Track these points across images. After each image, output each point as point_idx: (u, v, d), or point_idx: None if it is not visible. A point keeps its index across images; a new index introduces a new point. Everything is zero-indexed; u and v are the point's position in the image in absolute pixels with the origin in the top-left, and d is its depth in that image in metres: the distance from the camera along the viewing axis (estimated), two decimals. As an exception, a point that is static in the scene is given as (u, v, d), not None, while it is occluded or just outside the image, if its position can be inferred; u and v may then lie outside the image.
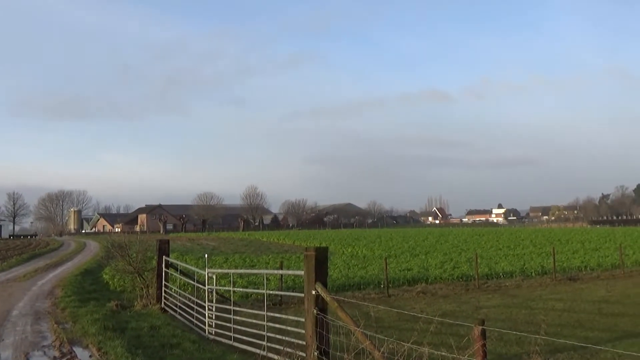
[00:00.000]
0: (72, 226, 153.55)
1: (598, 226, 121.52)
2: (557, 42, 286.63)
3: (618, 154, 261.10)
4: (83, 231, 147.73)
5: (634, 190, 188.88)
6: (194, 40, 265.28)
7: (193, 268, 16.11)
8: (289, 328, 9.28)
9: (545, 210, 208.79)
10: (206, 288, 12.92)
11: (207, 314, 12.54)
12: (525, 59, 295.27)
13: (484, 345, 5.38)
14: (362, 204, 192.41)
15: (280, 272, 14.40)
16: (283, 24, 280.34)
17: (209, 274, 12.97)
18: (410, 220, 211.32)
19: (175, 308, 15.00)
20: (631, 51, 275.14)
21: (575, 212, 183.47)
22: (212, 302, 12.64)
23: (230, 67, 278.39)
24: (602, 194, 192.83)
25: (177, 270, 17.04)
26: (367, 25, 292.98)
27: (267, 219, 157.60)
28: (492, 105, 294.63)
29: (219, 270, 16.84)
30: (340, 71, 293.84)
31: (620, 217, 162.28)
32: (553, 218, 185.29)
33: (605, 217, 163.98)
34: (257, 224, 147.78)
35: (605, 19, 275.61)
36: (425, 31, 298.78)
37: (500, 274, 23.94)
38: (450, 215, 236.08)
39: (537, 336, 7.32)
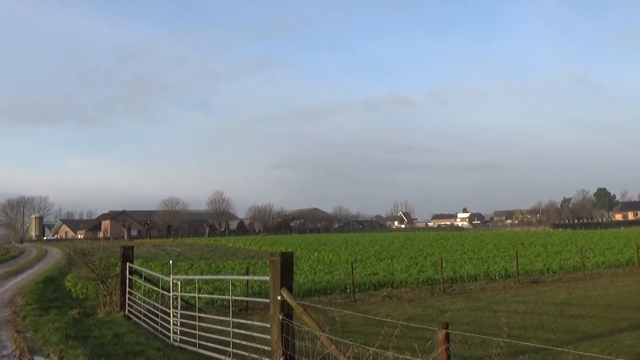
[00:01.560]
0: (33, 233, 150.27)
1: (560, 230, 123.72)
2: (520, 49, 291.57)
3: (579, 159, 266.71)
4: (45, 238, 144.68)
5: (595, 194, 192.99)
6: (159, 44, 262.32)
7: (158, 274, 15.93)
8: (254, 334, 9.25)
9: (509, 214, 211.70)
10: (171, 295, 12.80)
11: (171, 321, 12.42)
12: (489, 65, 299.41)
13: (447, 348, 5.44)
14: (328, 208, 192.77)
15: (246, 277, 14.38)
16: (249, 29, 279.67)
17: (174, 281, 12.86)
18: (376, 224, 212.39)
19: (139, 315, 14.83)
20: (590, 58, 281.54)
21: (538, 215, 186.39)
22: (176, 308, 12.54)
23: (196, 71, 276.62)
24: (564, 198, 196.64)
25: (142, 277, 16.83)
26: (332, 31, 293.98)
27: (233, 225, 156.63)
28: (457, 111, 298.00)
29: (184, 277, 16.72)
30: (305, 76, 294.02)
31: (581, 221, 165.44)
32: (516, 222, 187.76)
33: (567, 221, 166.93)
34: (223, 229, 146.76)
35: (565, 27, 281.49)
36: (390, 37, 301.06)
37: (465, 278, 24.22)
38: (416, 219, 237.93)
39: (499, 339, 7.43)
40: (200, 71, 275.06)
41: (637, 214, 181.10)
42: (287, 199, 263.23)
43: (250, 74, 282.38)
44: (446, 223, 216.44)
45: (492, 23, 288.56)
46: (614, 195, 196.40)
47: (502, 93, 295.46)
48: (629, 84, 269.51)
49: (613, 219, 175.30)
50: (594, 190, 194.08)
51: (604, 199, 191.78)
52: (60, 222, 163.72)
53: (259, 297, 16.31)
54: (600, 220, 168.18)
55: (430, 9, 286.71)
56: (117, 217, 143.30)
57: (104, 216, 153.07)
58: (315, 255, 43.43)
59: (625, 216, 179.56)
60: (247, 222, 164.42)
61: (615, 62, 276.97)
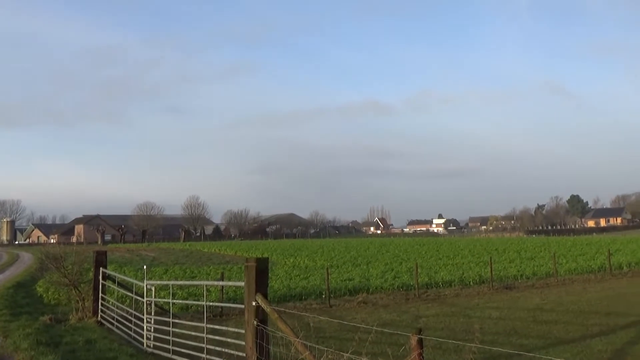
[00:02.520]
0: (4, 237, 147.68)
1: (534, 236, 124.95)
2: (495, 57, 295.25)
3: (552, 166, 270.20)
4: (16, 242, 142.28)
5: (568, 201, 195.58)
6: (132, 47, 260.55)
7: (131, 280, 15.77)
8: (229, 340, 9.20)
9: (484, 221, 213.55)
10: (144, 300, 12.68)
11: (145, 327, 12.29)
12: (465, 73, 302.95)
13: (420, 354, 5.47)
14: (304, 214, 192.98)
15: (221, 283, 14.29)
16: (224, 33, 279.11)
17: (148, 286, 12.73)
18: (352, 230, 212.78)
19: (112, 321, 14.67)
20: (563, 67, 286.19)
21: (512, 222, 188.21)
22: (150, 314, 12.42)
23: (171, 76, 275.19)
24: (538, 204, 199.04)
25: (115, 282, 16.65)
26: (307, 37, 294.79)
27: (209, 230, 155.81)
28: (433, 117, 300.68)
29: (158, 282, 16.58)
30: (282, 81, 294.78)
31: (554, 227, 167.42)
32: (491, 228, 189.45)
33: (540, 227, 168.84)
34: (198, 234, 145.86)
35: (538, 37, 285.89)
36: (366, 44, 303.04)
37: (440, 284, 24.33)
38: (392, 225, 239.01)
39: (472, 344, 7.48)
40: (175, 75, 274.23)
41: (609, 221, 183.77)
42: (263, 204, 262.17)
43: (226, 78, 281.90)
44: (422, 229, 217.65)
45: (467, 32, 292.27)
46: (587, 202, 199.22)
47: (478, 100, 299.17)
48: (600, 93, 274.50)
49: (585, 225, 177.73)
50: (567, 197, 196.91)
51: (577, 205, 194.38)
52: (33, 227, 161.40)
53: (234, 303, 16.25)
54: (573, 226, 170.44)
55: (406, 17, 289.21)
56: (90, 221, 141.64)
57: (77, 220, 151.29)
58: (291, 260, 43.36)
59: (597, 223, 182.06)
60: (222, 227, 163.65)
61: (587, 72, 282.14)
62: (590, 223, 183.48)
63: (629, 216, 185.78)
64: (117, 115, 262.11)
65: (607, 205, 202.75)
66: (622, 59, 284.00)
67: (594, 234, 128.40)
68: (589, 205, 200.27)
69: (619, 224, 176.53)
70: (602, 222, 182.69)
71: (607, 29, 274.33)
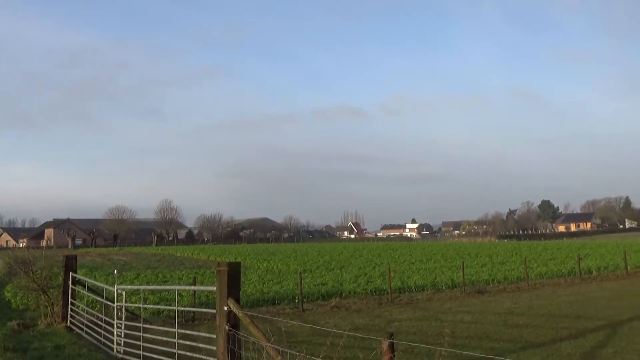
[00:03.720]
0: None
1: (505, 240, 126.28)
2: (467, 63, 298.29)
3: (524, 171, 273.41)
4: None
5: (539, 206, 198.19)
6: (103, 48, 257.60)
7: (102, 285, 15.59)
8: (200, 345, 9.14)
9: (457, 225, 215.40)
10: (115, 305, 12.53)
11: (115, 332, 12.15)
12: (438, 78, 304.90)
13: (391, 358, 5.48)
14: (278, 218, 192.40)
15: (193, 287, 14.17)
16: (198, 36, 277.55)
17: (119, 291, 12.59)
18: (326, 234, 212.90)
19: (82, 326, 14.48)
20: (532, 73, 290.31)
21: (485, 226, 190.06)
22: (121, 319, 12.27)
23: (143, 78, 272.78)
24: (510, 209, 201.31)
25: (85, 287, 16.44)
26: (282, 40, 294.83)
27: (182, 234, 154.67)
28: (406, 122, 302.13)
29: (129, 287, 16.39)
30: (256, 85, 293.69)
31: (525, 232, 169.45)
32: (464, 233, 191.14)
33: (512, 232, 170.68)
34: (171, 238, 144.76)
35: (510, 43, 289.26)
36: (339, 48, 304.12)
37: (413, 288, 24.43)
38: (366, 229, 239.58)
39: (442, 348, 7.53)
40: (148, 78, 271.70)
41: (579, 226, 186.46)
42: (236, 209, 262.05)
43: (200, 81, 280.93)
44: (395, 233, 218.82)
45: (440, 37, 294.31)
46: (557, 207, 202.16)
47: (450, 106, 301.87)
48: (569, 99, 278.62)
49: (556, 230, 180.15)
50: (539, 202, 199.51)
51: (548, 210, 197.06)
52: (1, 230, 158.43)
53: (206, 308, 16.14)
54: (544, 231, 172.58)
55: (379, 22, 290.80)
56: (61, 225, 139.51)
57: (47, 224, 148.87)
58: (265, 265, 43.21)
59: (567, 228, 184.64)
60: (195, 232, 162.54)
61: (556, 78, 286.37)
62: (561, 228, 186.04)
63: (598, 221, 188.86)
64: (87, 118, 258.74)
65: (578, 210, 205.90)
66: (590, 66, 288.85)
67: (565, 238, 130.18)
68: (560, 211, 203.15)
69: (588, 228, 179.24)
70: (573, 227, 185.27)
71: (575, 36, 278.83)
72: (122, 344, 11.88)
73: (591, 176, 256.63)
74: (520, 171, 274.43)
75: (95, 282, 17.15)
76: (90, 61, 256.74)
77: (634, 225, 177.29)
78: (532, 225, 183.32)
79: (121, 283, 24.95)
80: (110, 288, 13.08)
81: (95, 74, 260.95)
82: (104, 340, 12.80)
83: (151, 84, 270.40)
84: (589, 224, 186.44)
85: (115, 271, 16.15)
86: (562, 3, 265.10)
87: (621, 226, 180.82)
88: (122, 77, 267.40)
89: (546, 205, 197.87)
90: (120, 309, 12.45)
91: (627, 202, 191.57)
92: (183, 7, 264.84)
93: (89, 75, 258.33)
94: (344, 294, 22.70)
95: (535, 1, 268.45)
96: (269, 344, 6.78)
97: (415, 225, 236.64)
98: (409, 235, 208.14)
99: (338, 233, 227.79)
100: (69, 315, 15.65)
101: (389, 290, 22.23)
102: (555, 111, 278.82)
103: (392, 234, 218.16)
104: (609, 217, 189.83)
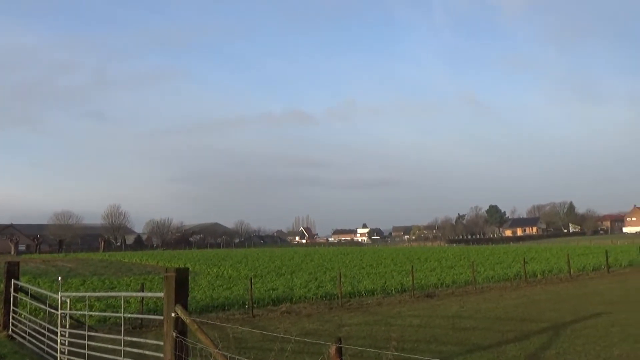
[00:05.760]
0: None
1: (454, 245, 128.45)
2: (416, 69, 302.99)
3: (472, 177, 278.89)
4: None
5: (487, 211, 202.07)
6: (47, 49, 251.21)
7: (46, 292, 15.18)
8: (147, 352, 8.97)
9: (407, 230, 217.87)
10: (59, 313, 12.20)
11: (59, 340, 11.82)
12: (387, 84, 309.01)
13: (339, 362, 5.49)
14: (229, 223, 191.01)
15: (140, 294, 13.96)
16: (145, 38, 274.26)
17: (63, 298, 12.27)
18: (277, 239, 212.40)
19: (24, 335, 14.06)
20: (478, 80, 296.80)
21: (434, 231, 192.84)
22: (65, 327, 11.96)
23: (89, 80, 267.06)
24: (459, 214, 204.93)
25: (28, 295, 15.98)
26: (232, 45, 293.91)
27: (130, 239, 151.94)
28: (356, 128, 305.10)
29: (74, 294, 16.03)
30: (206, 88, 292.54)
31: (474, 236, 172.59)
32: (414, 237, 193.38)
33: (461, 236, 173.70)
34: (119, 244, 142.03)
35: (457, 50, 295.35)
36: (290, 54, 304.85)
37: (363, 292, 24.57)
38: (317, 234, 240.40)
39: (390, 352, 7.59)
40: (94, 79, 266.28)
41: (525, 230, 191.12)
42: (187, 214, 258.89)
43: (148, 84, 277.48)
44: (346, 238, 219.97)
45: (390, 44, 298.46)
46: (504, 212, 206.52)
47: (400, 112, 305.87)
48: (513, 106, 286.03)
49: (503, 234, 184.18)
50: (487, 207, 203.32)
51: (495, 215, 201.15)
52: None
53: (154, 314, 15.88)
54: (491, 236, 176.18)
55: (329, 28, 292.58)
56: (3, 230, 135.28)
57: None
58: (215, 270, 42.80)
59: (514, 232, 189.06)
60: (144, 237, 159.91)
61: (501, 85, 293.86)
62: (508, 232, 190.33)
63: (543, 226, 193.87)
64: (31, 120, 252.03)
65: (524, 215, 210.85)
66: (535, 74, 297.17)
67: (511, 243, 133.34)
68: (507, 215, 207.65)
69: (534, 233, 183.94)
70: (519, 232, 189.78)
71: (520, 45, 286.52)
72: (66, 353, 11.57)
73: (537, 181, 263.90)
74: (469, 176, 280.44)
75: (39, 289, 16.68)
76: (34, 62, 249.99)
77: (577, 230, 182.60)
78: (481, 229, 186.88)
79: (66, 290, 24.40)
80: (55, 295, 12.73)
81: (39, 75, 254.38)
82: (47, 349, 12.45)
83: (98, 86, 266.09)
84: (534, 229, 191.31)
85: (60, 278, 15.77)
86: (508, 12, 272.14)
87: (565, 230, 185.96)
88: (67, 79, 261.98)
89: (494, 210, 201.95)
90: (65, 317, 12.12)
91: (571, 207, 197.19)
92: (133, 8, 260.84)
93: (32, 76, 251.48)
94: (294, 299, 22.68)
95: (483, 10, 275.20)
96: (217, 350, 6.71)
97: (366, 230, 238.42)
98: (360, 240, 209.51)
99: (289, 238, 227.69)
100: (10, 324, 15.19)
101: (340, 295, 22.31)
102: (501, 118, 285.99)
103: (343, 238, 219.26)
104: (554, 222, 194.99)
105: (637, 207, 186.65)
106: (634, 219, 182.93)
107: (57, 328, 12.00)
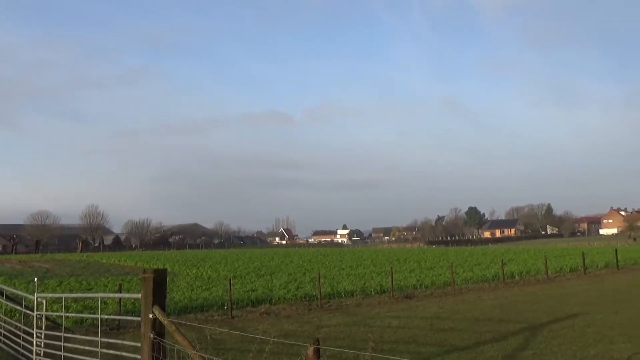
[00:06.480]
0: None
1: (434, 246, 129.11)
2: (395, 70, 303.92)
3: (452, 178, 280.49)
4: None
5: (466, 213, 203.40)
6: (23, 46, 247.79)
7: (22, 293, 14.99)
8: (124, 354, 8.89)
9: (387, 231, 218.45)
10: (35, 314, 12.06)
11: (35, 342, 11.68)
12: (366, 84, 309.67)
13: (317, 364, 5.48)
14: (209, 224, 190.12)
15: (118, 295, 13.84)
16: (124, 37, 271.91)
17: (39, 299, 12.13)
18: (257, 240, 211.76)
19: (-1, 337, 13.88)
20: (459, 82, 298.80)
21: (414, 232, 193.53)
22: (41, 328, 11.82)
23: (66, 79, 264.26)
24: (438, 215, 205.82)
25: (3, 295, 15.77)
26: (211, 44, 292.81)
27: (109, 240, 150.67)
28: (335, 128, 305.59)
29: (51, 295, 15.85)
30: (185, 88, 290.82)
31: (453, 238, 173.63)
32: (393, 239, 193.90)
33: (440, 238, 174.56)
34: (97, 244, 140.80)
35: (437, 52, 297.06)
36: (269, 53, 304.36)
37: (342, 293, 24.59)
38: (297, 235, 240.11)
39: (368, 353, 7.60)
40: (71, 78, 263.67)
41: (503, 232, 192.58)
42: (166, 214, 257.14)
43: (127, 83, 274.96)
44: (326, 239, 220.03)
45: (370, 45, 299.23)
46: (484, 214, 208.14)
47: (379, 112, 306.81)
48: (493, 108, 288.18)
49: (482, 236, 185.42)
50: (466, 209, 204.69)
51: (474, 217, 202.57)
52: None
53: (132, 316, 15.75)
54: (470, 237, 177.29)
55: (309, 29, 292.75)
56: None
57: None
58: (194, 271, 42.60)
59: (493, 234, 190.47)
60: (123, 237, 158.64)
61: (481, 87, 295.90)
62: (487, 234, 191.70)
63: (522, 227, 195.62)
64: (6, 119, 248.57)
65: (502, 216, 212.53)
66: (513, 77, 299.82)
67: (490, 244, 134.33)
68: (486, 217, 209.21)
69: (512, 234, 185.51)
70: (498, 233, 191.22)
71: (498, 47, 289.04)
72: (41, 354, 11.44)
73: (514, 183, 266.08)
74: (448, 178, 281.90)
75: (15, 290, 16.49)
76: (10, 61, 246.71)
77: (555, 232, 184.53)
78: (460, 231, 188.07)
79: (42, 291, 24.12)
80: (30, 296, 12.58)
81: (15, 73, 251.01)
82: (22, 350, 12.30)
83: (75, 85, 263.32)
84: (513, 230, 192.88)
85: (36, 279, 15.59)
86: (487, 15, 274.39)
87: (543, 232, 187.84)
88: (44, 77, 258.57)
89: (473, 211, 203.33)
90: (41, 318, 11.99)
91: (549, 209, 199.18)
92: (111, 6, 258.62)
93: (8, 75, 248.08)
94: (273, 300, 22.64)
95: (462, 12, 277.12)
96: (195, 352, 6.67)
97: (346, 231, 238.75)
98: (339, 241, 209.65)
99: (269, 239, 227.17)
100: (-15, 325, 14.96)
101: (319, 296, 22.30)
102: (480, 119, 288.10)
103: (323, 240, 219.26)
104: (532, 224, 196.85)
105: (614, 210, 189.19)
106: (610, 221, 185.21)
107: (33, 329, 11.86)
